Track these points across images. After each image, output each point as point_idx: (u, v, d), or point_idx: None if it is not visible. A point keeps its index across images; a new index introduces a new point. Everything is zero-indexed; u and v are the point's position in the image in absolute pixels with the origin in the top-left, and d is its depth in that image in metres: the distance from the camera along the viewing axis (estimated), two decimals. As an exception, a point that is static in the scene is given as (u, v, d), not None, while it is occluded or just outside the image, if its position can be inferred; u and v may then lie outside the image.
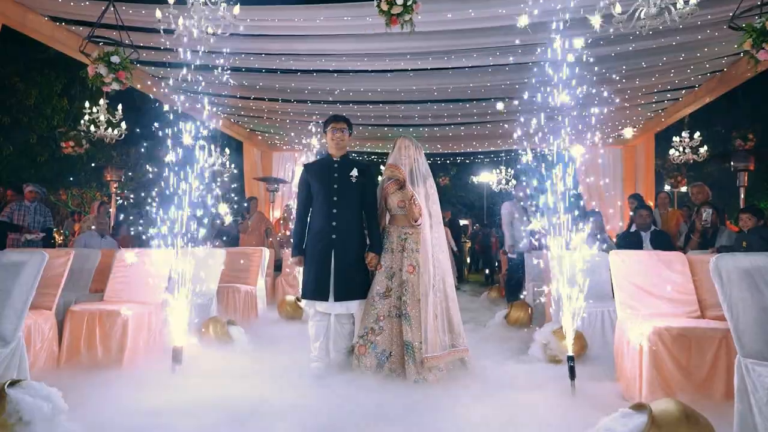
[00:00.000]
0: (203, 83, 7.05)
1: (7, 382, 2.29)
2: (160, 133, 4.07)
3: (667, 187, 11.44)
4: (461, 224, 17.52)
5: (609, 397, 3.26)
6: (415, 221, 3.92)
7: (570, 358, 3.42)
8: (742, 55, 6.71)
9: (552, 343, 4.15)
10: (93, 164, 12.60)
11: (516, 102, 8.00)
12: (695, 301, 3.63)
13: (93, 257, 5.18)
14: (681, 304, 3.62)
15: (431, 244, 3.93)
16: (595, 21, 3.87)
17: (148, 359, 4.06)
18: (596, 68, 6.66)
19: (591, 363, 4.07)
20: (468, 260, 17.13)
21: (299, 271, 5.16)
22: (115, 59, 4.84)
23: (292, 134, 10.47)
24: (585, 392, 3.37)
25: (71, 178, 14.25)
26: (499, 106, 5.22)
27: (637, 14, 4.05)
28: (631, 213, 6.80)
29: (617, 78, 7.15)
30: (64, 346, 4.00)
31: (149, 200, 4.08)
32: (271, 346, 4.74)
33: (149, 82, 7.34)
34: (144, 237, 4.03)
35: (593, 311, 4.49)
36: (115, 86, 4.94)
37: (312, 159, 7.40)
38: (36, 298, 3.78)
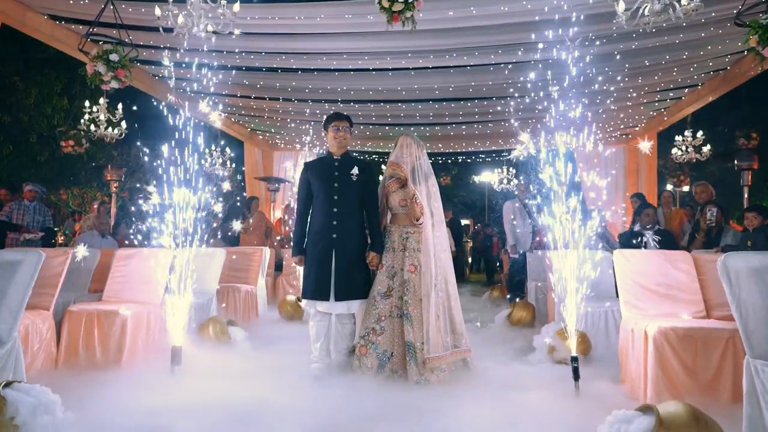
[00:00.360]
0: (204, 81, 7.03)
1: (2, 384, 2.25)
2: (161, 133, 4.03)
3: (669, 186, 11.40)
4: (462, 224, 17.49)
5: (614, 398, 3.20)
6: (417, 220, 3.88)
7: (574, 359, 3.38)
8: (745, 53, 6.65)
9: (555, 344, 4.10)
10: (93, 164, 12.59)
11: (518, 100, 7.98)
12: (701, 300, 3.58)
13: (92, 257, 5.14)
14: (686, 303, 3.57)
15: (433, 243, 3.89)
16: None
17: (147, 359, 4.01)
18: (599, 66, 6.62)
19: (595, 363, 4.02)
20: (469, 260, 17.11)
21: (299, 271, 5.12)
22: (113, 57, 4.79)
23: (293, 133, 10.44)
24: (589, 393, 3.33)
25: (71, 178, 14.24)
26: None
27: (641, 11, 4.02)
28: (635, 212, 6.75)
29: (620, 76, 7.10)
30: (62, 347, 3.95)
31: (144, 199, 4.03)
32: (272, 346, 4.71)
33: (149, 81, 7.30)
34: (139, 236, 3.98)
35: (597, 311, 4.45)
36: (114, 84, 4.90)
37: (312, 158, 7.36)
38: (34, 298, 3.74)
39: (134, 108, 8.54)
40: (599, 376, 3.68)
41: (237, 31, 5.11)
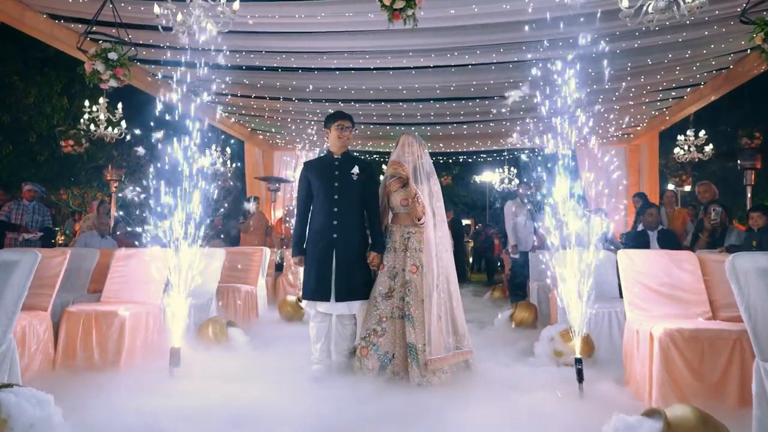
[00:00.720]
0: (203, 81, 6.98)
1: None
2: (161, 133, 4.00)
3: (670, 186, 11.35)
4: (463, 224, 17.44)
5: (618, 401, 3.15)
6: (419, 220, 3.83)
7: (578, 361, 3.33)
8: (749, 51, 6.63)
9: (558, 345, 4.05)
10: (93, 164, 12.55)
11: (519, 99, 7.94)
12: (706, 301, 3.52)
13: (91, 257, 5.10)
14: (692, 305, 3.51)
15: (435, 243, 3.84)
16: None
17: (145, 361, 3.97)
18: (601, 65, 6.57)
19: (598, 365, 3.96)
20: (470, 260, 17.06)
21: (299, 272, 5.07)
22: (112, 56, 4.75)
23: (294, 133, 10.40)
24: (593, 396, 3.28)
25: (72, 178, 14.20)
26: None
27: (644, 8, 3.98)
28: (638, 211, 6.70)
29: (622, 75, 7.05)
30: (60, 348, 3.91)
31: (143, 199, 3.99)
32: (272, 347, 4.65)
33: (148, 80, 7.26)
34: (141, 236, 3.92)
35: (600, 312, 4.39)
36: (113, 83, 4.86)
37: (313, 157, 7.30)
38: (31, 299, 3.71)
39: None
40: (603, 377, 3.61)
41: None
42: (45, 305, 3.83)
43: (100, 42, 5.30)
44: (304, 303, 3.97)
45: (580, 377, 3.30)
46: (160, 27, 4.43)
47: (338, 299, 3.75)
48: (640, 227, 5.99)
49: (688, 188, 11.65)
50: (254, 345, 4.60)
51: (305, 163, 4.14)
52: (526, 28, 5.53)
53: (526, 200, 7.54)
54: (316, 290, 3.78)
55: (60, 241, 12.66)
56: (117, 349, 3.88)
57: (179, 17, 4.24)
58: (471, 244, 17.08)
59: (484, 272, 15.71)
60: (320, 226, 3.84)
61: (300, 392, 3.41)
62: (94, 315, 3.95)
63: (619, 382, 3.57)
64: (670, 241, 5.56)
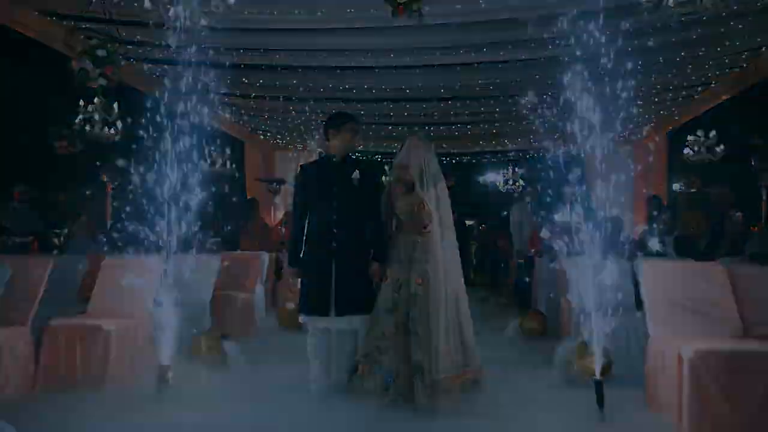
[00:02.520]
0: (200, 80, 6.75)
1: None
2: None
3: (677, 187, 11.11)
4: (467, 225, 17.21)
5: (646, 428, 2.90)
6: (425, 228, 3.56)
7: (598, 384, 3.06)
8: (763, 49, 6.43)
9: (573, 364, 3.76)
10: (90, 164, 12.35)
11: (526, 98, 7.72)
12: (738, 318, 3.25)
13: (80, 263, 4.83)
14: (722, 321, 3.23)
15: (442, 253, 3.58)
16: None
17: (133, 379, 3.71)
18: (610, 64, 6.35)
19: (615, 384, 3.64)
20: (474, 261, 16.82)
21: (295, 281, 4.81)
22: (101, 53, 4.51)
23: (294, 133, 10.22)
24: (615, 421, 3.00)
25: (67, 179, 14.00)
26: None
27: (665, 2, 3.77)
28: (654, 214, 6.46)
29: (632, 73, 6.83)
30: (40, 366, 3.64)
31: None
32: (268, 362, 4.37)
33: (142, 78, 7.05)
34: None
35: (617, 325, 4.12)
36: (102, 82, 4.62)
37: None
38: (9, 313, 3.49)
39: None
40: (623, 399, 3.31)
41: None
42: (24, 319, 3.57)
43: (93, 40, 5.07)
44: (301, 318, 3.72)
45: (601, 402, 3.03)
46: (151, 23, 4.24)
47: (338, 313, 3.48)
48: (655, 232, 5.74)
49: (693, 190, 11.39)
50: (250, 359, 4.33)
51: (301, 167, 3.87)
52: (529, 24, 5.30)
53: (532, 205, 7.35)
54: (314, 304, 3.53)
55: (57, 244, 12.44)
56: (102, 366, 3.61)
57: (172, 11, 4.04)
58: (475, 246, 16.84)
59: (488, 274, 15.48)
60: (318, 235, 3.58)
61: (297, 414, 3.18)
62: (78, 330, 3.69)
63: (641, 404, 3.30)
64: (687, 248, 5.29)
